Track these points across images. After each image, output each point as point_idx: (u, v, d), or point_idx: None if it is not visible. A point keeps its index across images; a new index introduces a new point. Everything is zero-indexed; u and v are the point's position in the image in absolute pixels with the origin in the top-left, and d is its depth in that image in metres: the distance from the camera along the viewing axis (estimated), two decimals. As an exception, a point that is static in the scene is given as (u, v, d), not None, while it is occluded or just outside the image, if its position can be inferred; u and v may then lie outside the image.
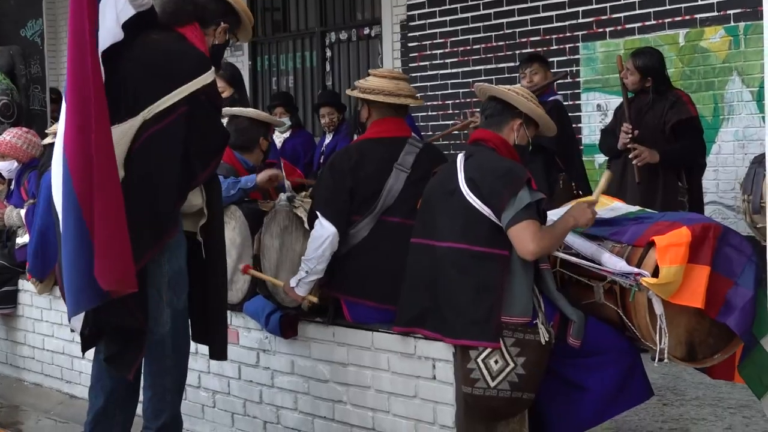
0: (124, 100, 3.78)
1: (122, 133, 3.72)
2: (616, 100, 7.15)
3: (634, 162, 6.14)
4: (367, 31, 10.15)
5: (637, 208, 4.49)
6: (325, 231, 4.39)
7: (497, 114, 4.20)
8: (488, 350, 3.95)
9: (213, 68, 3.96)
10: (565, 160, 6.67)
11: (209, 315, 4.13)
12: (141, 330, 3.85)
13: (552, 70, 7.27)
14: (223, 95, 5.86)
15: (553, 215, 4.24)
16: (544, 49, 8.19)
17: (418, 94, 4.95)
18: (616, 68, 6.76)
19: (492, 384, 3.96)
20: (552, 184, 6.50)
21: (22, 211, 6.50)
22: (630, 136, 6.15)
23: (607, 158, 6.70)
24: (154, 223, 3.80)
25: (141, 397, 4.08)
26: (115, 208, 3.56)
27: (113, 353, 3.89)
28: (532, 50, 8.06)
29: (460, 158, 4.17)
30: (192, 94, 3.81)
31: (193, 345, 5.26)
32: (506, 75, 8.56)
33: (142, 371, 4.00)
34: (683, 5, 7.58)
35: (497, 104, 4.21)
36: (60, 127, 3.74)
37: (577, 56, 8.23)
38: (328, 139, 8.17)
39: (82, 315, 3.76)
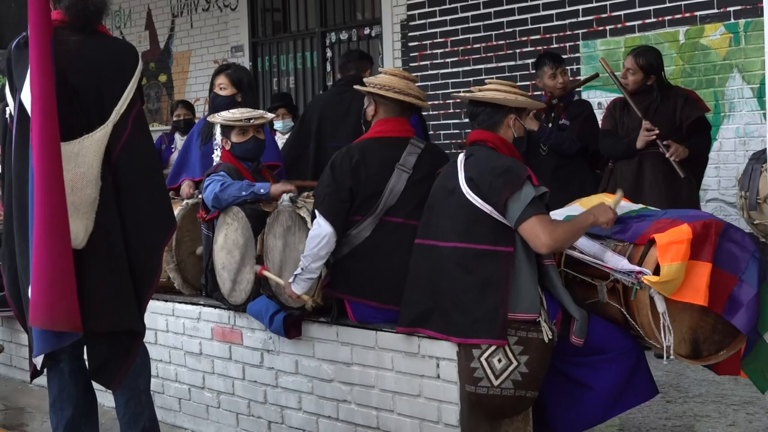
0: (89, 109, 3.82)
1: (99, 142, 3.78)
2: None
3: (672, 159, 6.00)
4: (367, 31, 10.14)
5: (640, 205, 4.49)
6: (321, 230, 4.39)
7: (489, 118, 4.22)
8: (491, 349, 3.96)
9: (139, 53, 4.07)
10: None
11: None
12: (139, 334, 3.89)
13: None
14: (224, 93, 5.88)
15: (555, 215, 4.25)
16: (545, 47, 8.19)
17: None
18: (617, 66, 6.76)
19: (495, 383, 3.96)
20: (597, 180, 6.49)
21: None
22: (655, 133, 6.05)
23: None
24: (162, 217, 3.97)
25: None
26: (57, 236, 3.60)
27: (98, 366, 3.91)
28: (542, 49, 8.03)
29: (461, 158, 4.19)
30: (138, 84, 3.93)
31: (197, 347, 5.33)
32: (507, 74, 8.56)
33: None
34: (683, 3, 7.58)
35: (485, 108, 4.23)
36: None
37: (577, 54, 8.23)
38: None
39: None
